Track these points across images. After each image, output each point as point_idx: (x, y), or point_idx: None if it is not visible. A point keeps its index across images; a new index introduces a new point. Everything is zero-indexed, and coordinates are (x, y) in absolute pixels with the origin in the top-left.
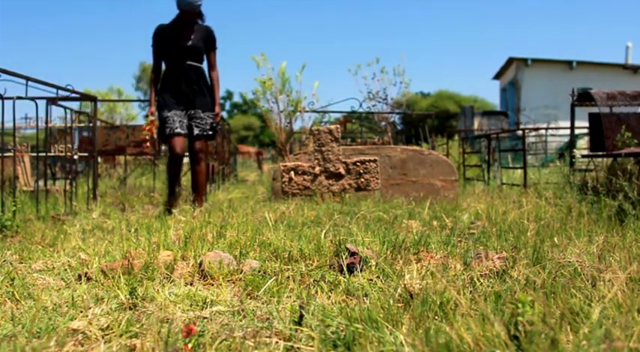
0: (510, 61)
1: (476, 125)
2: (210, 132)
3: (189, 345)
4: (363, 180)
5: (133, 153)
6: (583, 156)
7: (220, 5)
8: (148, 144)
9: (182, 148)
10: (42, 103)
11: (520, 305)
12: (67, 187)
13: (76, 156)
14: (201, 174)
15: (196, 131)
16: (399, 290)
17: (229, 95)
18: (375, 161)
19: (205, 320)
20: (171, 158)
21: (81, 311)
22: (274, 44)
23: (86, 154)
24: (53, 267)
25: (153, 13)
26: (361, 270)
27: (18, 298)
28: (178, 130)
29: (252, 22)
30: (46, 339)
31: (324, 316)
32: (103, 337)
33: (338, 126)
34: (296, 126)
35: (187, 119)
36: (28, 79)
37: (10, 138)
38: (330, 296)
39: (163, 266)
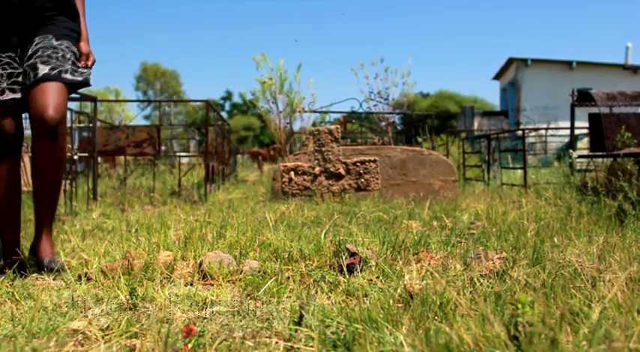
0: (510, 61)
1: (476, 125)
2: (72, 77)
3: (189, 345)
4: (363, 180)
5: (133, 154)
6: (582, 157)
7: (224, 3)
8: None
9: (11, 128)
10: None
11: (520, 305)
12: (67, 187)
13: (76, 157)
14: (53, 173)
15: (44, 69)
16: (399, 290)
17: (229, 95)
18: (374, 161)
19: (205, 320)
20: None
21: (81, 312)
22: (275, 45)
23: (86, 154)
24: None
25: (151, 13)
26: (361, 270)
27: (18, 298)
28: (9, 97)
29: (252, 23)
30: (46, 339)
31: (324, 316)
32: (103, 337)
33: (338, 126)
34: (296, 127)
35: (25, 64)
36: None
37: None
38: (330, 297)
39: (163, 266)
